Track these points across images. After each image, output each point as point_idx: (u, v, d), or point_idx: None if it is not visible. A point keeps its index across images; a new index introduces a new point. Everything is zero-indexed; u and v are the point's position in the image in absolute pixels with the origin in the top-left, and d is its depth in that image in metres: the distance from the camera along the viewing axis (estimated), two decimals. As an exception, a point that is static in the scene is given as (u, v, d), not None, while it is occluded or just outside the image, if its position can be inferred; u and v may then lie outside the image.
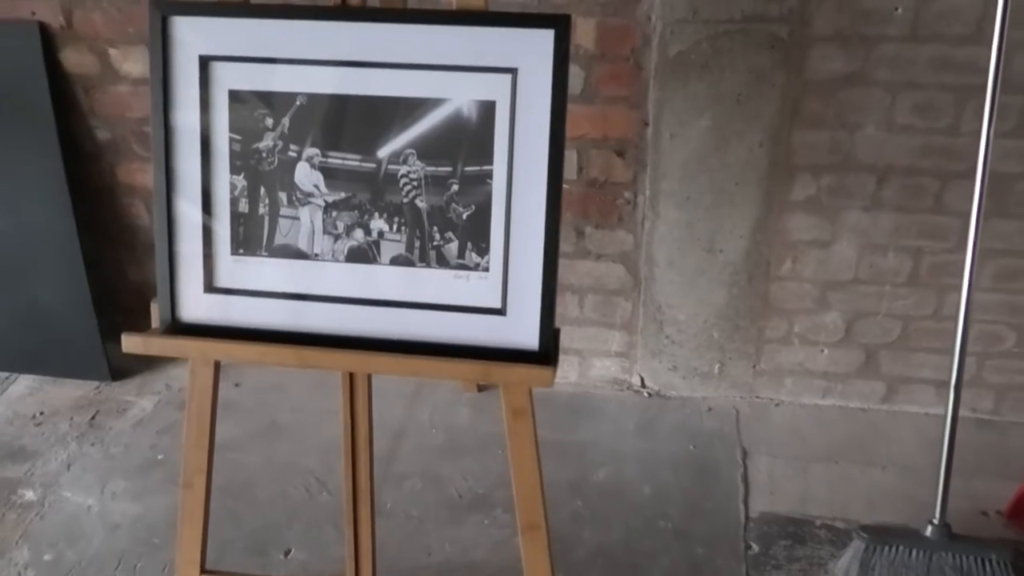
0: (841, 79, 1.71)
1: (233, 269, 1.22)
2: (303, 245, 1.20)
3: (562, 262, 1.86)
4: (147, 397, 2.10)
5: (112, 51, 1.95)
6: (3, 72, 1.96)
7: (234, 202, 1.20)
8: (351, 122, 1.16)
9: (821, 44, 1.69)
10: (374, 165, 1.17)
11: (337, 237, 1.20)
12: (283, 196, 1.19)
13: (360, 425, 1.27)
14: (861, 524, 1.63)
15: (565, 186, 1.83)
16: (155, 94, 1.17)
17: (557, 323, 1.19)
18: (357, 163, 1.17)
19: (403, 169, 1.16)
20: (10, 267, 2.08)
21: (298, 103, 1.17)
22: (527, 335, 1.17)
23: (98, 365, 2.12)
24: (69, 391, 2.12)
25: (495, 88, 1.12)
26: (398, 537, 1.68)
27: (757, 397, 2.06)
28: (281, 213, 1.20)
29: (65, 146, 1.98)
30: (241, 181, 1.20)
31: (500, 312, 1.17)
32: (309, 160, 1.18)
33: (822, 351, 1.98)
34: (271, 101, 1.17)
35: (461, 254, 1.18)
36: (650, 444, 1.94)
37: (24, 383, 2.15)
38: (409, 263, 1.19)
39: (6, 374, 2.17)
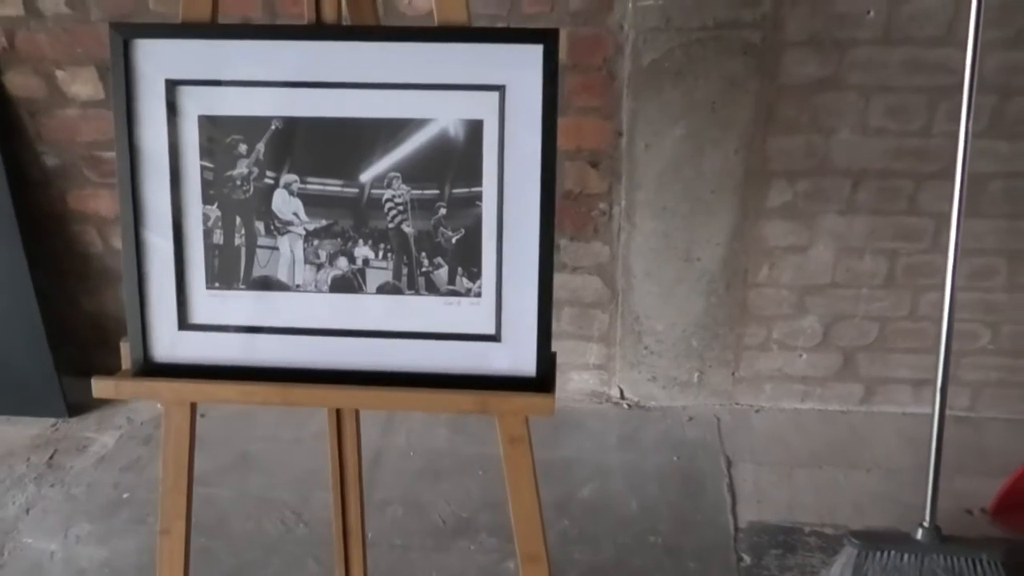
0: (815, 83, 1.71)
1: (209, 304, 1.15)
2: (283, 276, 1.14)
3: (539, 277, 1.82)
4: (108, 432, 2.01)
5: (59, 73, 1.86)
6: (-59, 98, 1.86)
7: (208, 233, 1.13)
8: (331, 146, 1.10)
9: (794, 49, 1.68)
10: (356, 190, 1.11)
11: (319, 267, 1.14)
12: (260, 225, 1.13)
13: (348, 461, 1.21)
14: (851, 530, 1.63)
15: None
16: (119, 122, 1.10)
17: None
18: (338, 188, 1.11)
19: (387, 193, 1.11)
20: (-44, 302, 1.97)
21: (273, 127, 1.10)
22: (523, 361, 1.12)
23: (54, 401, 2.02)
24: (24, 430, 2.02)
25: (482, 106, 1.08)
26: (383, 568, 1.62)
27: (737, 404, 2.04)
28: (259, 243, 1.14)
29: (11, 173, 1.89)
30: (215, 211, 1.13)
31: (494, 338, 1.12)
32: (287, 187, 1.12)
33: (800, 356, 1.97)
34: (244, 126, 1.11)
35: (451, 280, 1.13)
36: (634, 457, 1.91)
37: (-25, 424, 2.05)
38: (397, 291, 1.13)
39: (-45, 415, 2.07)
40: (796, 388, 2.01)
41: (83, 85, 1.87)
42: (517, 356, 1.12)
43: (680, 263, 1.87)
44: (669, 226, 1.83)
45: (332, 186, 1.11)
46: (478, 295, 1.12)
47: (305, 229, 1.13)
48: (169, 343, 1.15)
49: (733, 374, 2.00)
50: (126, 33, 1.09)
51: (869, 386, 1.99)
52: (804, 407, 2.03)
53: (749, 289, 1.91)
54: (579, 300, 1.96)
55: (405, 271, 1.13)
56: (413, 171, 1.10)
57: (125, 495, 1.82)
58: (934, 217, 1.80)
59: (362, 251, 1.13)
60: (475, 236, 1.11)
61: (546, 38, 1.05)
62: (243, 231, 1.13)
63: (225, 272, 1.14)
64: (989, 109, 1.69)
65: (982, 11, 1.39)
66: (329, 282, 1.14)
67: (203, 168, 1.12)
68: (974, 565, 1.52)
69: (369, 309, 1.14)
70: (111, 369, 1.14)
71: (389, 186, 1.11)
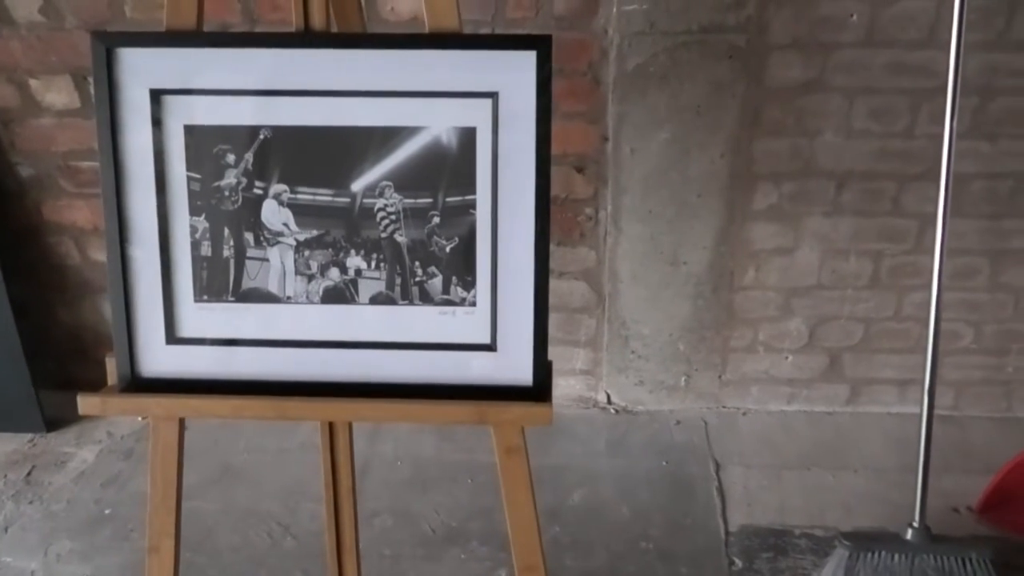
0: (799, 86, 1.71)
1: (197, 317, 1.12)
2: (274, 288, 1.12)
3: (526, 283, 1.81)
4: (87, 447, 1.97)
5: (33, 82, 1.82)
6: (-89, 107, 1.81)
7: (195, 245, 1.11)
8: (321, 155, 1.08)
9: (779, 52, 1.68)
10: (348, 199, 1.09)
11: (311, 278, 1.12)
12: (249, 237, 1.11)
13: (342, 473, 1.19)
14: (841, 531, 1.63)
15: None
16: (102, 133, 1.07)
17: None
18: (329, 198, 1.10)
19: (379, 202, 1.09)
20: (-72, 317, 1.93)
21: (262, 137, 1.08)
22: (520, 371, 1.11)
23: (31, 416, 1.98)
24: (0, 446, 1.97)
25: (475, 114, 1.06)
26: (374, 581, 1.61)
27: (724, 407, 2.04)
28: (248, 255, 1.11)
29: (-16, 184, 1.85)
30: (202, 223, 1.11)
31: (490, 348, 1.11)
32: (277, 197, 1.10)
33: (787, 358, 1.98)
34: (232, 136, 1.08)
35: (446, 289, 1.11)
36: (623, 462, 1.90)
37: (-50, 440, 2.00)
38: (390, 301, 1.12)
39: (-71, 432, 2.02)
40: (782, 390, 2.01)
41: (58, 94, 1.83)
42: (513, 365, 1.11)
43: (666, 267, 1.87)
44: (655, 230, 1.83)
45: (323, 196, 1.10)
46: (473, 304, 1.11)
47: (296, 240, 1.11)
48: (157, 358, 1.13)
49: (720, 377, 2.00)
50: (109, 42, 1.06)
51: (855, 387, 2.00)
52: (791, 409, 2.03)
53: (735, 292, 1.91)
54: (566, 305, 1.95)
55: (398, 281, 1.11)
56: (405, 180, 1.08)
57: (107, 511, 1.79)
58: (917, 218, 1.81)
59: (354, 261, 1.11)
60: (469, 245, 1.10)
61: (539, 44, 1.04)
62: (232, 242, 1.11)
63: (214, 284, 1.12)
64: (971, 110, 1.70)
65: (965, 13, 1.40)
66: (321, 293, 1.12)
67: (189, 179, 1.09)
68: (964, 564, 1.52)
69: (362, 320, 1.12)
70: (90, 382, 1.12)
71: (381, 195, 1.09)
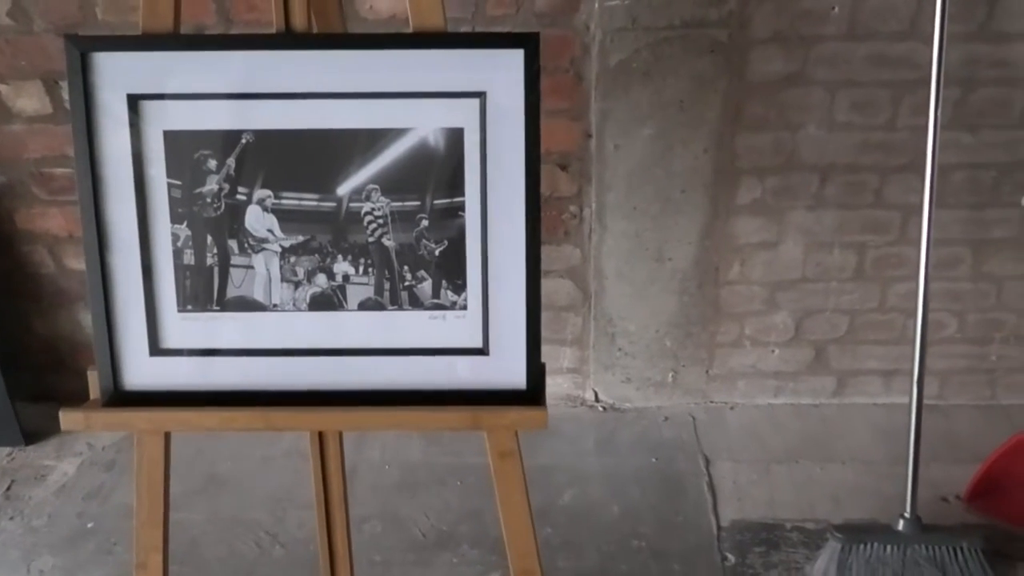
0: (782, 80, 1.71)
1: (181, 327, 1.10)
2: (259, 296, 1.10)
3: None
4: (68, 460, 1.93)
5: (2, 87, 1.77)
6: None
7: (177, 254, 1.09)
8: (305, 159, 1.06)
9: (761, 46, 1.68)
10: (334, 204, 1.07)
11: (297, 284, 1.10)
12: (233, 244, 1.09)
13: (333, 482, 1.17)
14: (832, 524, 1.64)
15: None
16: (78, 140, 1.04)
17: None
18: (315, 203, 1.07)
19: (366, 206, 1.07)
20: (-101, 330, 1.88)
21: (244, 141, 1.06)
22: (513, 374, 1.09)
23: (9, 429, 1.93)
24: (-23, 461, 1.93)
25: (462, 114, 1.05)
26: (365, 588, 1.59)
27: (711, 402, 2.04)
28: (232, 262, 1.09)
29: (-46, 193, 1.81)
30: (184, 230, 1.08)
31: (482, 352, 1.10)
32: (260, 203, 1.08)
33: (773, 351, 1.98)
34: (213, 141, 1.06)
35: (436, 293, 1.09)
36: (612, 460, 1.89)
37: (-76, 456, 1.95)
38: (379, 307, 1.10)
39: (-98, 448, 1.97)
40: (769, 383, 2.01)
41: (28, 99, 1.79)
42: (506, 369, 1.09)
43: (652, 263, 1.86)
44: (640, 227, 1.82)
45: (308, 200, 1.07)
46: (464, 308, 1.09)
47: (281, 246, 1.09)
48: (140, 370, 1.10)
49: (707, 372, 2.00)
50: (83, 46, 1.03)
51: (840, 378, 2.01)
52: (777, 402, 2.03)
53: (721, 287, 1.90)
54: (552, 304, 1.93)
55: (387, 286, 1.09)
56: (392, 183, 1.07)
57: (89, 525, 1.75)
58: (900, 209, 1.82)
59: (342, 267, 1.09)
60: (459, 247, 1.08)
61: (527, 42, 1.03)
62: (215, 250, 1.09)
63: (197, 294, 1.10)
64: (952, 102, 1.70)
65: (947, 4, 1.40)
66: (308, 300, 1.10)
67: (170, 186, 1.07)
68: (955, 553, 1.53)
69: (351, 326, 1.10)
70: (68, 393, 1.09)
71: (368, 199, 1.07)
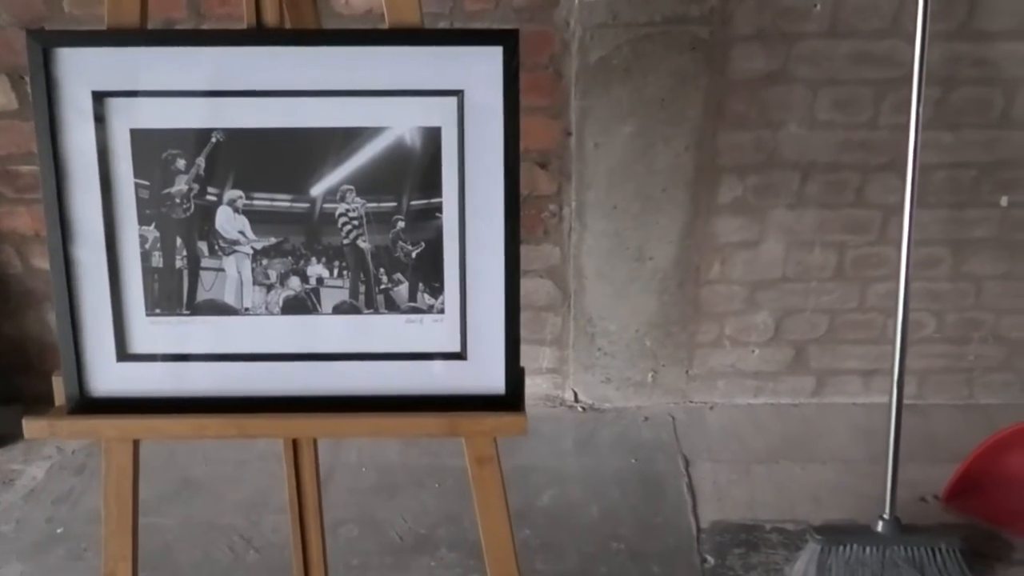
0: (763, 77, 1.69)
1: (149, 332, 1.07)
2: (230, 299, 1.07)
3: (490, 282, 1.77)
4: (36, 463, 1.89)
5: (-34, 82, 1.73)
6: None
7: (146, 256, 1.05)
8: (278, 158, 1.03)
9: (742, 43, 1.66)
10: (307, 205, 1.04)
11: (270, 287, 1.07)
12: (203, 246, 1.05)
13: (307, 490, 1.14)
14: (812, 525, 1.63)
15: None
16: (41, 139, 1.01)
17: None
18: (288, 204, 1.04)
19: (341, 207, 1.04)
20: None
21: (214, 140, 1.03)
22: (491, 379, 1.07)
23: (-25, 432, 1.89)
24: (-57, 465, 1.88)
25: (439, 113, 1.02)
26: (341, 593, 1.56)
27: (691, 402, 2.03)
28: (202, 265, 1.06)
29: (-83, 191, 1.75)
30: (152, 232, 1.05)
31: (460, 356, 1.07)
32: (231, 203, 1.04)
33: (753, 351, 1.97)
34: (182, 139, 1.03)
35: (412, 296, 1.07)
36: (591, 461, 1.88)
37: None
38: (354, 310, 1.07)
39: None
40: (749, 383, 2.00)
41: (-9, 94, 1.74)
42: (484, 374, 1.07)
43: (632, 263, 1.84)
44: (620, 225, 1.80)
45: (281, 201, 1.04)
46: (441, 311, 1.07)
47: (253, 248, 1.06)
48: (107, 376, 1.07)
49: (687, 372, 1.98)
50: (46, 41, 1.00)
51: (820, 378, 2.00)
52: (757, 402, 2.03)
53: (701, 286, 1.89)
54: (531, 304, 1.91)
55: (362, 289, 1.07)
56: (368, 183, 1.04)
57: (59, 530, 1.71)
58: (881, 209, 1.81)
59: (315, 269, 1.06)
60: (436, 250, 1.05)
61: (506, 39, 1.00)
62: (184, 252, 1.06)
63: (166, 297, 1.06)
64: (933, 100, 1.70)
65: (929, 3, 1.39)
66: (281, 303, 1.07)
67: (138, 186, 1.04)
68: (934, 554, 1.53)
69: (325, 330, 1.07)
70: (36, 396, 1.05)
71: (342, 200, 1.04)
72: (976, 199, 1.80)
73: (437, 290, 1.06)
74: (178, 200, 1.04)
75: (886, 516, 1.56)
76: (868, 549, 1.55)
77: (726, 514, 1.73)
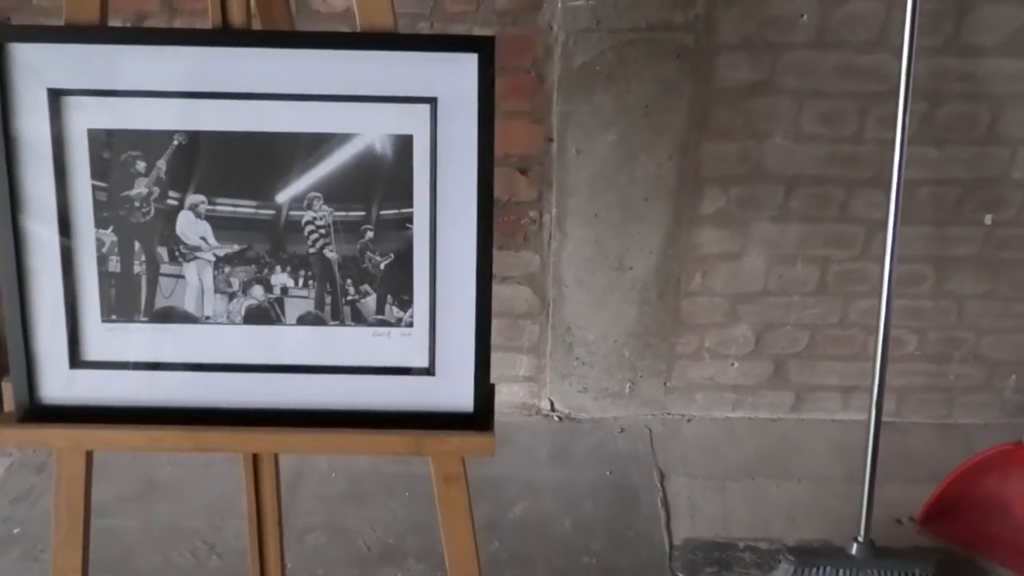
0: (748, 88, 1.66)
1: (105, 339, 1.03)
2: (191, 307, 1.03)
3: (467, 289, 1.74)
4: (-5, 462, 1.84)
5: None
6: None
7: (102, 260, 1.01)
8: (243, 163, 0.99)
9: (727, 52, 1.63)
10: (273, 212, 1.01)
11: (232, 296, 1.03)
12: (163, 251, 1.01)
13: (267, 505, 1.11)
14: (787, 545, 1.62)
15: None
16: (-6, 135, 0.97)
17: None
18: (252, 210, 1.01)
19: (308, 215, 1.01)
20: None
21: (176, 143, 0.99)
22: (459, 397, 1.04)
23: (-67, 429, 1.84)
24: (-102, 464, 1.83)
25: (412, 120, 0.98)
26: (305, 604, 1.53)
27: (668, 414, 2.00)
28: (162, 271, 1.02)
29: None
30: (110, 236, 1.01)
31: (428, 372, 1.04)
32: (193, 208, 1.01)
33: (732, 364, 1.94)
34: (142, 141, 0.99)
35: (380, 309, 1.03)
36: (566, 473, 1.85)
37: None
38: (319, 322, 1.03)
39: None
40: (727, 397, 1.98)
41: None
42: (453, 391, 1.04)
43: (612, 272, 1.81)
44: (601, 234, 1.77)
45: (245, 208, 1.01)
46: (409, 325, 1.03)
47: (215, 255, 1.02)
48: (60, 383, 1.03)
49: (665, 384, 1.96)
50: (1, 36, 0.95)
51: (799, 393, 1.98)
52: (735, 416, 2.00)
53: (682, 298, 1.86)
54: (508, 311, 1.88)
55: (328, 300, 1.03)
56: (336, 191, 1.00)
57: (16, 530, 1.67)
58: (865, 224, 1.79)
59: (280, 278, 1.03)
60: (406, 261, 1.02)
61: (482, 46, 0.97)
62: (143, 258, 1.02)
63: (123, 303, 1.02)
64: (919, 115, 1.68)
65: (917, 17, 1.37)
66: (243, 313, 1.03)
67: (95, 188, 1.00)
68: (907, 579, 1.52)
69: (288, 342, 1.04)
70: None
71: (309, 207, 1.01)
72: (959, 216, 1.78)
73: (406, 303, 1.03)
74: (137, 204, 1.00)
75: (860, 539, 1.54)
76: (841, 572, 1.53)
77: (699, 531, 1.70)
